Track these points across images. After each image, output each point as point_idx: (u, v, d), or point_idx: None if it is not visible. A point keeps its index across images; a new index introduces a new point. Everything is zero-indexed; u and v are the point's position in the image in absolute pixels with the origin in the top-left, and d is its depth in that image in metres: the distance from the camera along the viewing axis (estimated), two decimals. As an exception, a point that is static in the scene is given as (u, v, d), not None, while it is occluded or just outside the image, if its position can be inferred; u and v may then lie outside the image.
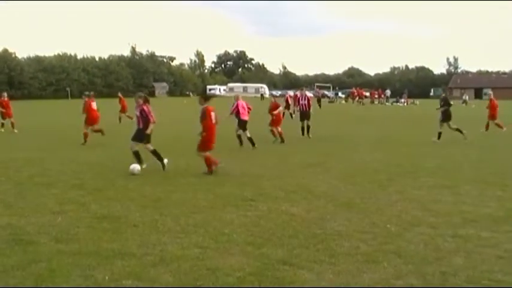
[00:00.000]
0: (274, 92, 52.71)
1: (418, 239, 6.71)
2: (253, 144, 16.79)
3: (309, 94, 27.06)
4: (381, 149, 17.06)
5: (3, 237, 6.59)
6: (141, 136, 12.03)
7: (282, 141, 18.86)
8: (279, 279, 5.28)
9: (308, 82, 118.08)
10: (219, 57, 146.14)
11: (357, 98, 68.74)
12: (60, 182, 10.55)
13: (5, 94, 23.67)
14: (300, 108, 21.36)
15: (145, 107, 12.02)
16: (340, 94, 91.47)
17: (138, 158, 12.02)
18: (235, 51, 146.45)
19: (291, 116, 30.84)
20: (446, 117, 19.63)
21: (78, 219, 7.54)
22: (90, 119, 18.49)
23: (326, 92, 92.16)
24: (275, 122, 19.29)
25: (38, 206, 8.38)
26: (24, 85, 69.85)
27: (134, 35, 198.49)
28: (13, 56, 75.08)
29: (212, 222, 7.48)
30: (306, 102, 21.05)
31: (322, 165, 13.26)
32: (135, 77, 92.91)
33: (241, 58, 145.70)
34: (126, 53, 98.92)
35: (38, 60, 79.13)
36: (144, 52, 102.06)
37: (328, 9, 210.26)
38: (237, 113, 17.08)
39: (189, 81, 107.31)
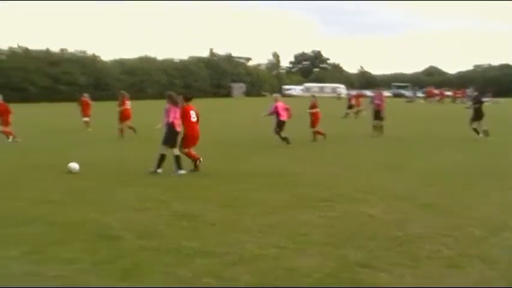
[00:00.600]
0: (351, 92, 52.08)
1: (504, 244, 6.44)
2: (288, 142, 17.37)
3: (387, 94, 27.07)
4: (462, 150, 16.49)
5: (91, 232, 6.90)
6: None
7: (314, 139, 19.18)
8: (358, 282, 5.22)
9: (385, 81, 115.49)
10: (295, 57, 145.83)
11: (436, 97, 66.62)
12: (139, 180, 10.90)
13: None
14: (373, 108, 21.62)
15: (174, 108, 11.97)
16: (419, 93, 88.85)
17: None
18: (312, 51, 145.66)
19: (356, 115, 32.80)
20: (477, 115, 19.55)
21: (158, 217, 7.76)
22: (124, 116, 20.42)
23: (404, 92, 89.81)
24: (314, 122, 19.57)
25: (120, 203, 8.69)
26: (109, 86, 72.58)
27: (212, 37, 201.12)
28: (99, 59, 78.36)
29: (289, 222, 7.49)
30: (380, 102, 21.32)
31: (399, 166, 12.97)
32: (213, 78, 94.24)
33: (317, 58, 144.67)
34: (205, 54, 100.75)
35: (121, 63, 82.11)
36: (222, 53, 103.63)
37: (406, 8, 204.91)
38: (277, 114, 17.67)
39: (266, 82, 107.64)
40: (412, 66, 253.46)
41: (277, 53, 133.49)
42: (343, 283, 5.18)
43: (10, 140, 18.50)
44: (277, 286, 5.12)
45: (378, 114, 21.26)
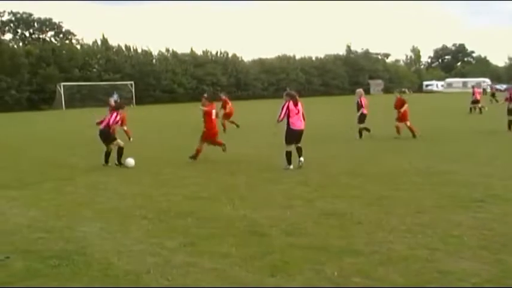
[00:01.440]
0: (498, 86, 48.81)
1: None
2: (360, 135, 18.67)
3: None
4: None
5: (241, 228, 7.15)
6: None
7: (414, 136, 18.34)
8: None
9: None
10: (435, 51, 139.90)
11: None
12: (285, 177, 11.08)
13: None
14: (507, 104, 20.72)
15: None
16: None
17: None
18: (454, 45, 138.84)
19: (480, 111, 31.91)
20: None
21: (305, 215, 7.84)
22: (230, 114, 23.49)
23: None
24: (402, 118, 18.79)
25: (268, 200, 8.92)
26: (249, 86, 74.91)
27: (349, 33, 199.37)
28: (240, 59, 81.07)
29: (439, 222, 7.19)
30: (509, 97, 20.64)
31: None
32: (351, 75, 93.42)
33: (460, 52, 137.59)
34: (342, 51, 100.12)
35: (260, 63, 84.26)
36: (359, 50, 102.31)
37: None
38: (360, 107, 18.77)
39: (405, 78, 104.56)
40: None
41: (418, 47, 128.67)
42: (504, 289, 4.87)
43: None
44: (431, 288, 4.94)
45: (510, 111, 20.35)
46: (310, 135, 18.44)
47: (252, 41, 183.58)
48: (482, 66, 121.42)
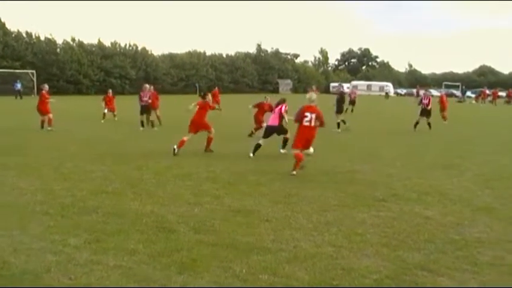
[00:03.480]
0: (399, 90, 51.20)
1: None
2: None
3: (436, 93, 28.06)
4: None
5: (149, 225, 7.00)
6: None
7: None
8: (418, 285, 5.12)
9: (435, 81, 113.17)
10: (342, 54, 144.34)
11: (489, 98, 64.72)
12: (194, 174, 10.99)
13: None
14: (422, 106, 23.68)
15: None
16: (469, 93, 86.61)
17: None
18: (359, 49, 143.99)
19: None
20: None
21: (213, 211, 7.81)
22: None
23: (454, 91, 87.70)
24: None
25: (176, 196, 8.78)
26: (158, 80, 73.57)
27: (260, 33, 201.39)
28: (150, 53, 79.48)
29: (344, 221, 7.42)
30: (427, 101, 23.35)
31: (455, 167, 12.67)
32: (260, 74, 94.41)
33: (365, 56, 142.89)
34: (252, 50, 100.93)
35: (170, 57, 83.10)
36: (269, 49, 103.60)
37: (458, 6, 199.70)
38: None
39: (313, 79, 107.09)
40: (464, 66, 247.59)
41: (325, 49, 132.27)
42: (402, 286, 5.08)
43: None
44: (335, 285, 5.07)
45: (424, 112, 23.25)
46: (220, 133, 18.49)
47: (163, 35, 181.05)
48: (385, 71, 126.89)
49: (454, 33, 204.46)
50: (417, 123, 22.99)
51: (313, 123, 11.30)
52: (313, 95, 11.83)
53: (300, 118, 11.35)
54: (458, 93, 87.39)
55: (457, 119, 25.68)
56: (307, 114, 11.27)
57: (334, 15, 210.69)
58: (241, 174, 11.14)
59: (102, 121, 24.75)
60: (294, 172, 11.08)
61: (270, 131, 14.41)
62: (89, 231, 6.59)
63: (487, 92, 71.19)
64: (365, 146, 16.73)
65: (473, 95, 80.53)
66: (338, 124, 21.95)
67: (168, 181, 10.14)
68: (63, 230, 6.65)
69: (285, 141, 14.36)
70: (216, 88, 36.50)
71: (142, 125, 21.34)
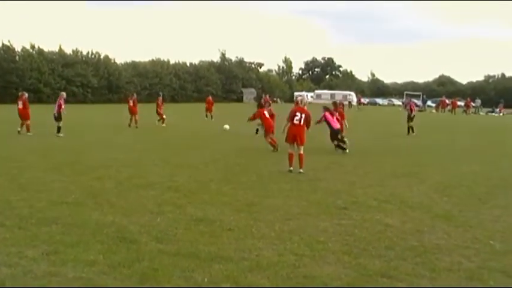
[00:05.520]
0: (362, 99, 51.86)
1: (527, 259, 6.35)
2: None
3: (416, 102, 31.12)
4: (478, 160, 16.39)
5: (109, 235, 6.89)
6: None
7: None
8: (378, 292, 5.18)
9: (397, 90, 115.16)
10: (306, 64, 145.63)
11: (449, 107, 66.31)
12: (156, 183, 10.89)
13: None
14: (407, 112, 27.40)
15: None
16: (429, 103, 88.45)
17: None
18: (323, 58, 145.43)
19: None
20: None
21: (175, 221, 7.75)
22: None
23: (415, 101, 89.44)
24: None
25: (138, 206, 8.68)
26: (121, 89, 72.76)
27: (224, 42, 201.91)
28: (113, 61, 78.53)
29: (307, 229, 7.46)
30: (410, 108, 27.44)
31: (415, 175, 12.90)
32: (224, 83, 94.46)
33: (329, 65, 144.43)
34: (216, 59, 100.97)
35: (134, 66, 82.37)
36: (233, 58, 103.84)
37: (418, 17, 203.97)
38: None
39: (277, 88, 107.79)
40: (424, 75, 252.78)
41: (289, 58, 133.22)
42: (363, 292, 5.15)
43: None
44: (297, 294, 5.09)
45: (409, 117, 26.60)
46: (182, 142, 18.45)
47: (126, 43, 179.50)
48: (348, 80, 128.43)
49: (415, 43, 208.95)
50: (409, 128, 26.22)
51: (302, 122, 12.93)
52: (304, 98, 14.23)
53: (291, 117, 13.03)
54: (419, 102, 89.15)
55: (419, 128, 26.21)
56: (298, 114, 13.02)
57: (297, 24, 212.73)
58: (204, 183, 11.09)
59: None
60: (301, 170, 12.63)
61: (337, 133, 17.62)
62: (48, 243, 6.45)
63: (447, 101, 72.78)
64: (328, 155, 16.86)
65: (433, 104, 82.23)
66: None
67: (130, 191, 10.02)
68: (19, 242, 6.47)
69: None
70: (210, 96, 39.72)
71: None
